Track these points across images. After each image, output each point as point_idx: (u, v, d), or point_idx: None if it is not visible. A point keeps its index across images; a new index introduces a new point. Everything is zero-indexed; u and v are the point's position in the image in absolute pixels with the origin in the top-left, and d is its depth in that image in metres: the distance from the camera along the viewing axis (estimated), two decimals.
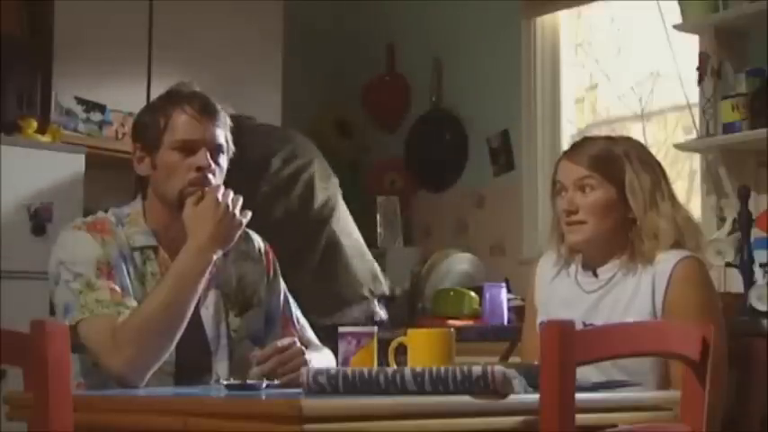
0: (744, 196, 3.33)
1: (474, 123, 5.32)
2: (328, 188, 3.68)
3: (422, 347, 2.11)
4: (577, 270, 2.60)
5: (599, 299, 2.52)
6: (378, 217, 5.07)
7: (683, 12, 4.24)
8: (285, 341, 2.29)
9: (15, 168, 4.20)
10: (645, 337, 1.92)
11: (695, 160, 4.53)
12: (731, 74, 4.13)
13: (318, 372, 1.80)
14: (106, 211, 2.45)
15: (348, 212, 3.75)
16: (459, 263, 4.51)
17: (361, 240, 3.76)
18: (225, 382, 1.99)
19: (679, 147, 4.37)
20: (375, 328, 2.22)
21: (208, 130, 2.38)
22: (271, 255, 2.60)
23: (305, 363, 2.22)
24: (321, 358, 2.43)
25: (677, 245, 2.49)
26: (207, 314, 2.41)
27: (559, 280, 2.62)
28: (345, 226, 3.70)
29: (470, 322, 3.94)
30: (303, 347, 2.30)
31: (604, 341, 1.81)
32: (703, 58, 4.16)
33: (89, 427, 1.81)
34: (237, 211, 2.33)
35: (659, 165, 2.59)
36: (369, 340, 2.16)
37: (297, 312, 2.61)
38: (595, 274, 2.55)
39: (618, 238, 2.52)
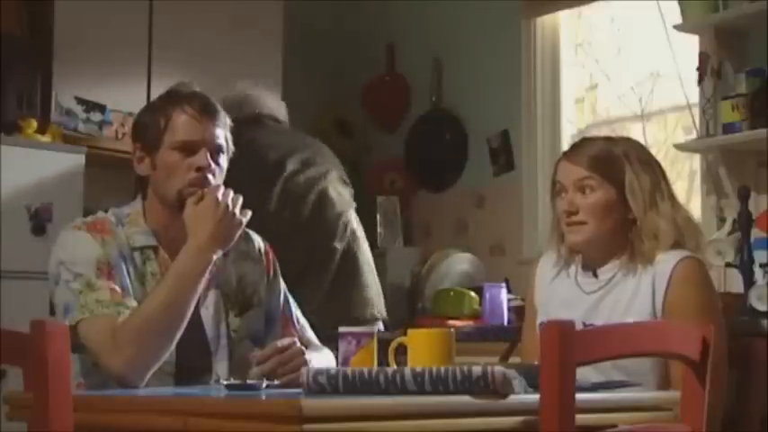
0: (744, 196, 3.33)
1: (474, 123, 5.32)
2: (343, 199, 3.66)
3: (422, 347, 2.11)
4: (577, 270, 2.60)
5: (599, 299, 2.52)
6: (378, 217, 5.07)
7: (683, 12, 4.24)
8: (285, 341, 2.29)
9: (15, 168, 4.20)
10: (645, 338, 1.92)
11: (695, 160, 4.53)
12: (731, 74, 4.13)
13: (318, 372, 1.80)
14: (106, 211, 2.45)
15: (360, 225, 3.73)
16: (459, 263, 4.52)
17: (371, 257, 3.73)
18: (225, 382, 1.99)
19: (679, 147, 4.37)
20: (375, 328, 2.22)
21: (208, 131, 2.38)
22: (271, 255, 2.60)
23: (305, 363, 2.22)
24: (321, 358, 2.43)
25: (677, 245, 2.49)
26: (207, 314, 2.41)
27: (559, 280, 2.62)
28: (361, 242, 3.67)
29: (470, 322, 3.94)
30: (303, 347, 2.30)
31: (604, 341, 1.82)
32: (703, 58, 4.16)
33: (89, 427, 1.81)
34: (237, 211, 2.33)
35: (659, 165, 2.60)
36: (369, 340, 2.16)
37: (297, 312, 2.61)
38: (595, 275, 2.55)
39: (618, 238, 2.52)
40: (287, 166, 3.59)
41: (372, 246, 3.84)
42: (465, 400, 1.72)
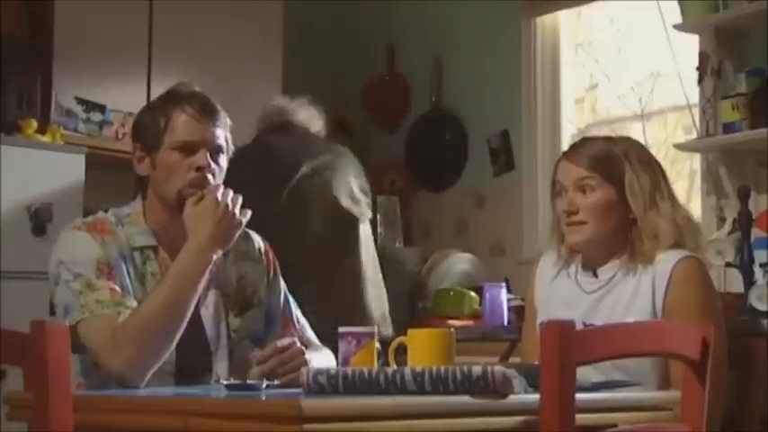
0: (744, 196, 3.33)
1: (474, 123, 5.32)
2: (356, 207, 3.64)
3: (422, 347, 2.11)
4: (577, 270, 2.60)
5: (599, 299, 2.52)
6: (378, 217, 5.07)
7: (683, 12, 4.24)
8: (285, 341, 2.29)
9: (15, 168, 4.20)
10: (645, 338, 1.92)
11: (695, 160, 4.53)
12: (731, 74, 4.13)
13: (318, 372, 1.80)
14: (106, 211, 2.45)
15: (371, 237, 3.71)
16: (459, 263, 4.52)
17: (380, 274, 3.71)
18: (225, 382, 1.99)
19: (679, 147, 4.37)
20: (375, 328, 2.22)
21: (208, 131, 2.38)
22: (271, 254, 2.60)
23: (305, 363, 2.22)
24: (321, 358, 2.43)
25: (677, 245, 2.49)
26: (207, 314, 2.41)
27: (559, 280, 2.62)
28: (370, 256, 3.65)
29: (470, 322, 3.94)
30: (303, 347, 2.30)
31: (604, 341, 1.81)
32: (703, 58, 4.16)
33: (89, 427, 1.81)
34: (237, 211, 2.33)
35: (659, 165, 2.60)
36: (369, 340, 2.16)
37: (297, 312, 2.61)
38: (595, 275, 2.55)
39: (618, 238, 2.52)
40: (300, 170, 3.60)
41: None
42: (465, 400, 1.72)
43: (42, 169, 4.28)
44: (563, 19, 5.13)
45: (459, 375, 1.73)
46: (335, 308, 3.37)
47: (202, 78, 2.66)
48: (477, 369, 1.72)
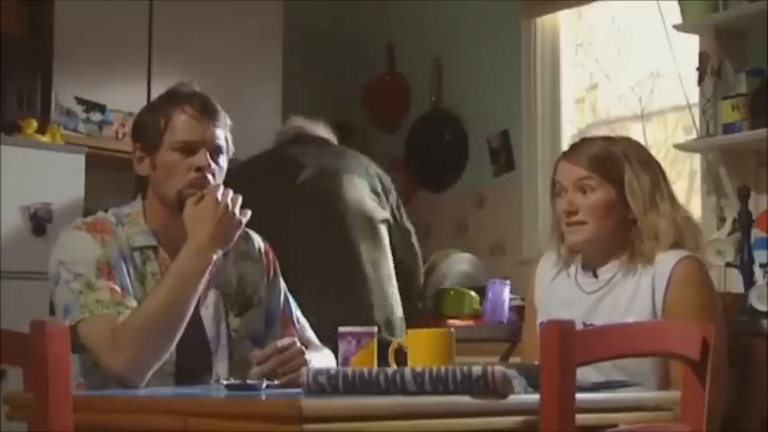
0: (744, 196, 3.33)
1: (474, 123, 5.32)
2: (363, 211, 3.64)
3: (422, 347, 2.11)
4: (577, 270, 2.60)
5: (599, 299, 2.52)
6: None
7: (683, 12, 4.24)
8: (285, 341, 2.29)
9: (15, 168, 4.19)
10: (645, 338, 1.92)
11: (695, 160, 4.53)
12: (731, 74, 4.12)
13: (318, 372, 1.80)
14: (106, 211, 2.45)
15: (385, 245, 3.69)
16: (459, 263, 4.51)
17: (391, 278, 3.69)
18: (225, 382, 1.99)
19: (679, 147, 4.37)
20: (375, 329, 2.22)
21: (208, 131, 2.38)
22: (271, 254, 2.60)
23: (305, 363, 2.22)
24: (321, 358, 2.43)
25: (677, 245, 2.49)
26: (207, 314, 2.41)
27: (559, 280, 2.62)
28: (378, 259, 3.64)
29: (470, 322, 3.94)
30: (303, 347, 2.30)
31: (604, 341, 1.82)
32: (703, 58, 4.15)
33: (89, 427, 1.81)
34: (237, 211, 2.33)
35: (658, 165, 2.60)
36: (369, 340, 2.16)
37: (297, 312, 2.62)
38: (595, 275, 2.55)
39: (618, 238, 2.52)
40: (305, 171, 3.61)
41: None
42: (465, 400, 1.72)
43: (42, 169, 4.28)
44: (563, 19, 5.13)
45: (459, 375, 1.73)
46: (335, 308, 3.37)
47: (202, 78, 2.66)
48: (477, 369, 1.72)
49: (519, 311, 3.67)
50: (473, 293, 4.07)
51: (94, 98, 4.68)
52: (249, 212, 2.37)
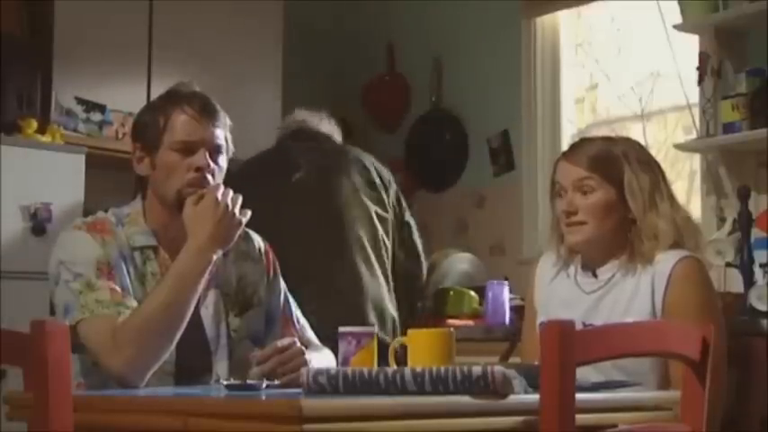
0: (744, 196, 3.33)
1: (474, 123, 5.32)
2: (358, 209, 3.64)
3: (422, 347, 2.11)
4: (577, 270, 2.60)
5: (599, 299, 2.52)
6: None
7: (682, 12, 4.24)
8: (285, 341, 2.29)
9: (15, 168, 4.20)
10: (645, 337, 1.92)
11: (695, 160, 4.53)
12: (731, 74, 4.12)
13: (318, 372, 1.80)
14: (106, 211, 2.45)
15: (381, 242, 3.69)
16: (460, 263, 4.51)
17: (386, 279, 3.68)
18: (225, 382, 1.99)
19: (679, 147, 4.37)
20: (375, 328, 2.22)
21: (207, 131, 2.38)
22: (271, 255, 2.60)
23: (305, 363, 2.22)
24: (321, 358, 2.43)
25: (676, 245, 2.49)
26: (207, 314, 2.41)
27: (559, 280, 2.62)
28: (368, 258, 3.63)
29: (470, 322, 3.94)
30: (303, 347, 2.30)
31: (604, 341, 1.81)
32: (703, 58, 4.15)
33: (89, 427, 1.81)
34: (237, 211, 2.33)
35: (658, 165, 2.60)
36: (369, 340, 2.16)
37: (297, 312, 2.61)
38: (595, 275, 2.55)
39: (617, 238, 2.52)
40: (300, 171, 3.61)
41: None
42: (465, 400, 1.72)
43: (42, 169, 4.28)
44: (563, 19, 5.13)
45: (459, 375, 1.73)
46: (332, 308, 3.37)
47: (202, 78, 2.66)
48: (477, 369, 1.72)
49: (519, 311, 3.67)
50: (473, 293, 4.07)
51: (94, 98, 4.69)
52: (249, 212, 2.37)
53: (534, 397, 1.70)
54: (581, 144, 2.61)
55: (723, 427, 2.41)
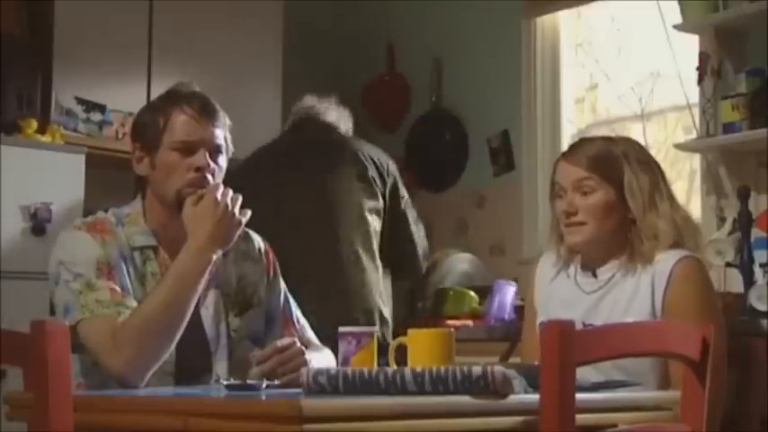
0: (744, 196, 3.33)
1: (474, 123, 5.32)
2: (353, 203, 3.64)
3: (422, 347, 2.11)
4: (577, 271, 2.60)
5: (598, 299, 2.52)
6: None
7: (682, 12, 4.24)
8: (285, 341, 2.29)
9: (15, 168, 4.20)
10: (645, 338, 1.92)
11: (695, 160, 4.53)
12: (731, 74, 4.12)
13: (318, 372, 1.80)
14: (106, 211, 2.45)
15: (373, 238, 3.69)
16: (460, 263, 4.51)
17: (376, 276, 3.67)
18: (225, 382, 1.99)
19: (679, 147, 4.37)
20: (375, 328, 2.22)
21: (207, 131, 2.38)
22: (271, 255, 2.60)
23: (305, 363, 2.22)
24: (321, 358, 2.43)
25: (676, 245, 2.49)
26: (207, 314, 2.41)
27: (559, 281, 2.62)
28: (357, 254, 3.63)
29: (470, 322, 3.94)
30: (303, 347, 2.30)
31: (604, 341, 1.82)
32: (703, 58, 4.15)
33: (89, 427, 1.81)
34: (237, 211, 2.33)
35: (658, 165, 2.60)
36: (369, 340, 2.16)
37: (297, 312, 2.62)
38: (595, 275, 2.55)
39: (617, 238, 2.52)
40: (296, 168, 3.63)
41: None
42: (465, 400, 1.72)
43: (42, 169, 4.28)
44: (563, 19, 5.13)
45: (459, 375, 1.73)
46: (335, 307, 3.38)
47: (202, 78, 2.66)
48: (477, 369, 1.72)
49: (519, 311, 3.68)
50: (473, 293, 4.07)
51: (94, 98, 4.69)
52: (249, 212, 2.37)
53: (534, 397, 1.70)
54: (581, 144, 2.61)
55: (723, 427, 2.41)
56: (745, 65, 4.11)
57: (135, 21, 4.81)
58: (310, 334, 2.60)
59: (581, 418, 1.72)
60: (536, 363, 1.73)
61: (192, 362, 2.35)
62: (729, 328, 2.48)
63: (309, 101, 3.86)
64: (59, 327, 1.75)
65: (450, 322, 3.81)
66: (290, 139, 3.78)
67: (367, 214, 3.64)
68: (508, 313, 3.87)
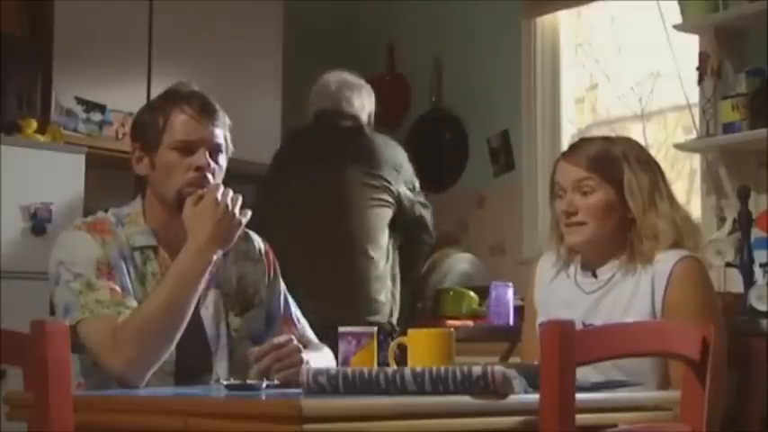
0: (744, 196, 3.34)
1: (474, 123, 5.32)
2: (352, 199, 3.66)
3: (422, 347, 2.11)
4: (576, 271, 2.60)
5: (598, 299, 2.52)
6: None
7: (682, 12, 4.24)
8: (282, 338, 2.28)
9: (15, 168, 4.20)
10: (645, 337, 1.92)
11: (695, 160, 4.53)
12: (731, 74, 4.13)
13: (318, 372, 1.80)
14: (106, 211, 2.45)
15: (374, 236, 3.71)
16: (460, 263, 4.51)
17: (376, 273, 3.70)
18: (225, 382, 1.99)
19: (679, 147, 4.37)
20: (375, 328, 2.22)
21: (207, 130, 2.38)
22: (271, 255, 2.59)
23: (301, 360, 2.21)
24: (321, 358, 2.43)
25: (676, 245, 2.49)
26: (207, 314, 2.41)
27: (559, 280, 2.62)
28: (352, 254, 3.65)
29: (470, 322, 3.94)
30: (300, 345, 2.29)
31: (604, 341, 1.81)
32: (703, 58, 4.16)
33: (89, 427, 1.81)
34: (237, 211, 2.33)
35: (657, 165, 2.60)
36: (369, 340, 2.16)
37: (297, 312, 2.61)
38: (594, 275, 2.55)
39: (617, 238, 2.52)
40: (302, 162, 3.66)
41: None
42: (465, 400, 1.72)
43: (42, 169, 4.28)
44: (563, 19, 5.13)
45: (459, 375, 1.72)
46: (335, 308, 3.39)
47: (202, 78, 2.66)
48: (477, 369, 1.72)
49: (519, 312, 3.67)
50: (472, 293, 4.07)
51: (94, 98, 4.69)
52: (249, 212, 2.37)
53: (534, 397, 1.70)
54: (580, 144, 2.61)
55: (723, 427, 2.41)
56: (745, 65, 4.12)
57: (135, 21, 4.81)
58: (310, 333, 2.60)
59: (581, 418, 1.72)
60: (536, 363, 1.73)
61: (192, 362, 2.35)
62: (729, 328, 2.48)
63: (332, 83, 3.84)
64: (59, 327, 1.75)
65: (450, 322, 3.81)
66: (307, 136, 3.81)
67: (370, 210, 3.66)
68: (510, 315, 3.86)
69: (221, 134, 2.41)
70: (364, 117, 3.86)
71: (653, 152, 2.71)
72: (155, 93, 3.61)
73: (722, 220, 4.01)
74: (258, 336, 2.49)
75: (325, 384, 1.77)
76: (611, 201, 2.51)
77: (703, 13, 4.18)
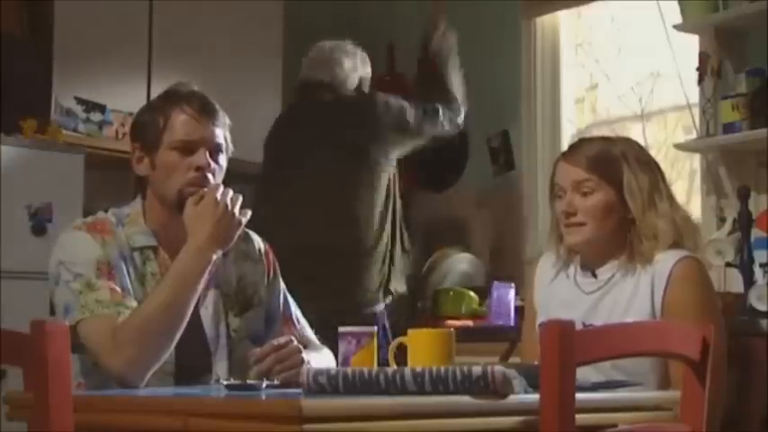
0: (744, 196, 3.34)
1: (474, 123, 5.31)
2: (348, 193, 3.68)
3: (422, 347, 2.11)
4: (576, 271, 2.60)
5: (598, 299, 2.52)
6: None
7: (682, 12, 4.24)
8: (282, 339, 2.28)
9: (15, 168, 4.20)
10: (645, 338, 1.92)
11: (695, 160, 4.53)
12: (731, 74, 4.12)
13: (318, 372, 1.80)
14: (106, 211, 2.45)
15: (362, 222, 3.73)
16: (459, 263, 4.52)
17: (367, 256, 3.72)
18: (225, 382, 1.99)
19: (679, 147, 4.37)
20: (375, 329, 2.22)
21: (207, 130, 2.38)
22: (271, 255, 2.60)
23: (302, 361, 2.22)
24: (321, 358, 2.43)
25: (676, 245, 2.49)
26: (206, 314, 2.41)
27: (559, 281, 2.62)
28: (344, 233, 3.67)
29: (470, 322, 3.94)
30: (300, 346, 2.29)
31: (604, 341, 1.82)
32: (703, 58, 4.15)
33: (89, 427, 1.81)
34: (237, 211, 2.33)
35: (657, 165, 2.60)
36: (369, 340, 2.16)
37: (297, 312, 2.62)
38: (594, 275, 2.55)
39: (617, 238, 2.52)
40: (296, 164, 3.67)
41: None
42: (465, 400, 1.72)
43: (42, 169, 4.28)
44: (563, 19, 5.13)
45: (459, 375, 1.73)
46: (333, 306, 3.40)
47: (202, 78, 2.66)
48: (477, 369, 1.72)
49: (519, 312, 3.68)
50: (472, 293, 4.08)
51: (94, 98, 4.69)
52: (249, 212, 2.37)
53: (534, 397, 1.70)
54: (580, 145, 2.61)
55: (723, 427, 2.41)
56: (745, 65, 4.11)
57: (135, 21, 4.81)
58: (310, 333, 2.60)
59: (581, 418, 1.72)
60: (536, 363, 1.73)
61: (192, 362, 2.35)
62: (729, 328, 2.48)
63: (322, 53, 3.85)
64: (59, 327, 1.75)
65: (449, 322, 3.81)
66: (295, 111, 3.84)
67: (363, 194, 3.68)
68: (511, 315, 3.87)
69: (221, 134, 2.41)
70: (355, 79, 3.86)
71: (653, 152, 2.71)
72: (155, 93, 3.62)
73: (722, 220, 4.01)
74: (258, 336, 2.49)
75: (326, 384, 1.77)
76: (611, 201, 2.51)
77: (703, 13, 4.18)
